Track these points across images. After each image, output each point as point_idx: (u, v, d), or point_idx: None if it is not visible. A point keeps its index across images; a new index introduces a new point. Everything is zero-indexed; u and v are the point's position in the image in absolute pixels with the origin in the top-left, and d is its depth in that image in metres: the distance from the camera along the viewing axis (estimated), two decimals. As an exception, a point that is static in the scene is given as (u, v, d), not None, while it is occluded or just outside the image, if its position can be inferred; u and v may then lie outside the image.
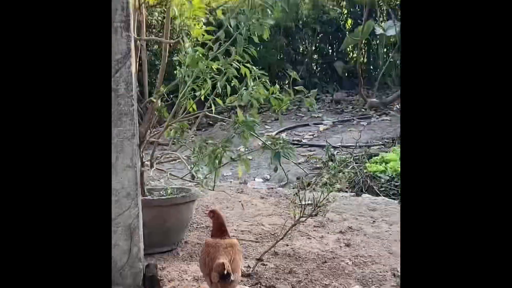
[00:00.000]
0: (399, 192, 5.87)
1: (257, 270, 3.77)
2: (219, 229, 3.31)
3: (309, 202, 4.04)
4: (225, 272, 2.97)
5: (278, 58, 10.83)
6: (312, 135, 8.78)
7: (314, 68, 11.88)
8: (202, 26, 3.73)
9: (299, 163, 7.13)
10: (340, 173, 6.18)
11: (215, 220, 3.33)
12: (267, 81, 3.50)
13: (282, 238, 3.98)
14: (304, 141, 8.43)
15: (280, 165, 3.76)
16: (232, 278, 3.00)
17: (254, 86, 3.41)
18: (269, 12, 3.21)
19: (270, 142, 3.61)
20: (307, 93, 3.62)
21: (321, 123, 9.32)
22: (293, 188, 5.61)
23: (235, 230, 4.49)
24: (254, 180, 6.58)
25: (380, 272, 3.85)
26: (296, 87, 3.63)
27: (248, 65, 3.42)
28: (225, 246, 3.20)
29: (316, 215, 3.84)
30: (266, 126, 9.04)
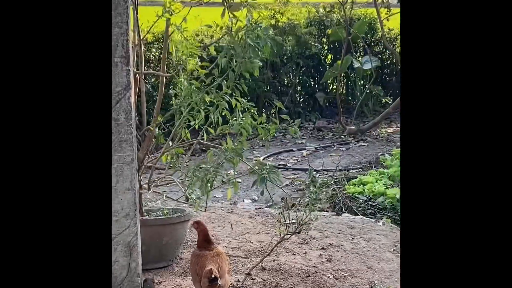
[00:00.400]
0: (376, 211, 5.90)
1: (246, 284, 3.77)
2: (205, 239, 3.34)
3: (293, 221, 4.05)
4: (213, 276, 3.00)
5: (265, 89, 10.87)
6: (296, 159, 8.80)
7: (298, 98, 11.93)
8: (197, 61, 3.77)
9: (285, 185, 7.14)
10: (322, 194, 6.21)
11: (200, 230, 3.36)
12: (255, 112, 3.53)
13: (268, 254, 3.98)
14: (289, 165, 8.44)
15: (266, 189, 3.77)
16: (219, 282, 3.03)
17: (243, 117, 3.44)
18: (259, 52, 3.26)
19: (257, 167, 3.63)
20: (292, 122, 3.65)
21: (304, 149, 9.33)
22: (278, 208, 5.61)
23: (226, 247, 4.48)
24: (243, 201, 6.58)
25: (359, 285, 3.86)
26: (282, 116, 3.67)
27: (239, 98, 3.46)
28: (212, 255, 3.23)
29: (299, 232, 3.85)
30: (254, 152, 9.05)
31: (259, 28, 3.14)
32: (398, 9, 10.53)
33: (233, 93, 3.46)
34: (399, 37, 12.72)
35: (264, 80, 10.70)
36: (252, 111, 3.49)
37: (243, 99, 3.49)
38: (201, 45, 8.88)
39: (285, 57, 11.16)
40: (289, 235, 3.83)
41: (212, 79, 3.48)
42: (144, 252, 3.46)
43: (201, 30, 10.10)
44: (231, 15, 3.31)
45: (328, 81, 12.05)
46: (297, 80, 11.68)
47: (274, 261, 4.18)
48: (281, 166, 8.28)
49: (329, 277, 3.94)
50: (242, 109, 3.50)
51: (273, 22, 10.87)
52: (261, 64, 3.31)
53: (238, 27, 3.20)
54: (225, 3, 3.31)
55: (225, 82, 3.39)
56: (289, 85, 11.57)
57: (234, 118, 3.48)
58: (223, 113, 3.59)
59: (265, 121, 3.58)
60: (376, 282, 3.88)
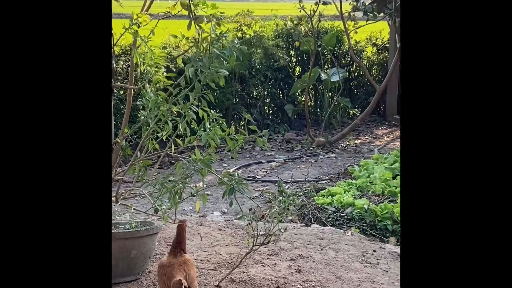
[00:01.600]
0: (344, 222, 5.95)
1: (215, 296, 3.76)
2: (179, 242, 3.31)
3: (262, 232, 4.06)
4: (183, 287, 2.97)
5: (234, 102, 10.89)
6: (266, 171, 8.83)
7: (267, 110, 11.98)
8: (163, 72, 3.77)
9: (254, 197, 7.15)
10: (291, 206, 6.23)
11: (182, 230, 3.31)
12: (224, 123, 3.55)
13: (238, 266, 3.99)
14: (258, 177, 8.47)
15: (235, 199, 3.78)
16: None
17: (211, 127, 3.45)
18: (225, 62, 3.28)
19: (226, 178, 3.64)
20: (260, 133, 3.68)
21: (274, 161, 9.37)
22: (247, 220, 5.61)
23: (195, 259, 4.46)
24: (212, 213, 6.58)
25: (328, 295, 3.89)
26: (250, 126, 3.69)
27: (206, 108, 3.47)
28: (179, 263, 3.20)
29: (268, 243, 3.86)
30: (224, 164, 9.05)
31: (224, 38, 3.16)
32: (364, 22, 10.71)
33: (199, 104, 3.46)
34: (365, 49, 12.90)
35: (233, 93, 10.73)
36: (220, 122, 3.50)
37: (211, 110, 3.50)
38: (168, 57, 8.89)
39: (253, 70, 11.21)
40: (258, 246, 3.84)
41: (178, 90, 3.48)
42: (113, 266, 3.43)
43: (169, 42, 10.10)
44: (197, 27, 3.32)
45: (297, 93, 12.14)
46: (265, 92, 11.74)
47: (243, 272, 4.18)
48: (250, 178, 8.30)
49: (298, 288, 3.96)
50: (210, 120, 3.51)
51: (239, 34, 10.92)
52: (227, 73, 3.33)
53: (204, 38, 3.22)
54: (191, 16, 3.32)
55: (192, 94, 3.40)
56: (258, 97, 11.62)
57: (202, 129, 3.49)
58: (192, 125, 3.59)
59: (233, 132, 3.60)
60: (345, 291, 3.91)
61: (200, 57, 3.26)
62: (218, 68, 3.22)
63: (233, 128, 3.70)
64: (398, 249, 5.06)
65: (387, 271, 4.36)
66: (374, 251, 4.83)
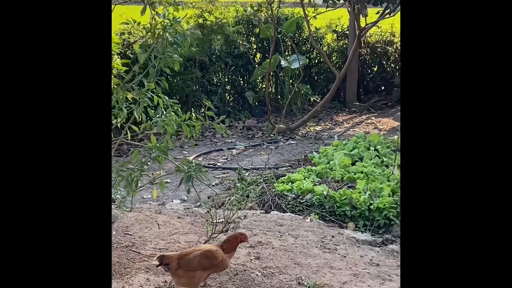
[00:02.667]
0: (304, 208, 5.97)
1: (173, 285, 3.73)
2: (227, 244, 3.59)
3: (221, 220, 4.05)
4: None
5: (194, 89, 10.80)
6: (226, 159, 8.80)
7: (227, 98, 11.93)
8: (117, 59, 3.69)
9: (214, 185, 7.13)
10: (250, 193, 6.24)
11: (234, 240, 3.60)
12: (179, 109, 3.50)
13: (196, 254, 3.95)
14: (218, 164, 8.43)
15: (193, 187, 3.75)
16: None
17: (166, 113, 3.40)
18: (179, 48, 3.22)
19: (183, 165, 3.60)
20: (218, 119, 3.64)
21: (234, 148, 9.35)
22: (206, 207, 5.59)
23: (153, 248, 4.42)
24: (172, 201, 6.52)
25: (287, 281, 3.89)
26: (207, 113, 3.65)
27: (160, 94, 3.41)
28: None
29: (227, 231, 3.84)
30: (184, 152, 8.99)
31: (178, 24, 3.11)
32: (324, 9, 10.73)
33: (155, 90, 3.41)
34: (325, 36, 12.95)
35: (193, 80, 10.64)
36: (175, 108, 3.45)
37: (165, 96, 3.45)
38: (124, 43, 8.75)
39: (213, 56, 11.14)
40: (217, 234, 3.82)
41: (132, 75, 3.42)
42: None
43: (127, 28, 9.94)
44: (152, 12, 3.26)
45: (257, 80, 12.12)
46: (226, 79, 11.69)
47: (202, 260, 4.15)
48: (210, 165, 8.27)
49: (257, 275, 3.96)
50: (165, 106, 3.45)
51: (200, 21, 10.82)
52: (181, 59, 3.27)
53: (157, 23, 3.16)
54: (146, 1, 3.25)
55: (146, 79, 3.34)
56: (218, 84, 11.55)
57: (158, 116, 3.44)
58: (147, 111, 3.53)
59: (189, 118, 3.55)
60: (303, 277, 3.92)
61: (153, 43, 3.20)
62: (173, 54, 3.16)
63: (189, 114, 3.65)
64: (356, 235, 5.11)
65: (345, 256, 4.39)
66: (333, 236, 4.87)
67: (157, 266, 3.58)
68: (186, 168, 3.57)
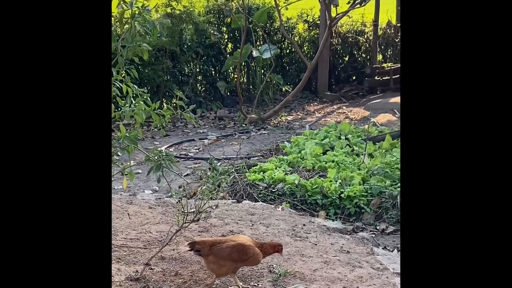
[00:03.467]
0: (275, 197, 6.00)
1: (145, 275, 3.73)
2: (264, 248, 3.68)
3: (193, 210, 4.04)
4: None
5: (166, 79, 10.74)
6: (198, 149, 8.79)
7: (199, 88, 11.90)
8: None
9: (186, 175, 7.12)
10: (222, 183, 6.24)
11: (271, 249, 3.70)
12: (148, 98, 3.48)
13: (167, 243, 3.96)
14: (190, 154, 8.42)
15: (164, 176, 3.74)
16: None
17: (135, 103, 3.38)
18: (148, 37, 3.20)
19: (154, 155, 3.59)
20: (187, 108, 3.63)
21: (206, 138, 9.34)
22: (177, 197, 5.58)
23: (124, 238, 4.41)
24: (143, 192, 6.50)
25: (258, 269, 3.91)
26: (177, 102, 3.64)
27: (129, 83, 3.39)
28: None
29: (198, 220, 3.85)
30: (156, 142, 8.95)
31: (146, 12, 3.09)
32: (295, -1, 10.76)
33: (123, 79, 3.38)
34: (297, 26, 12.98)
35: (164, 70, 10.58)
36: (145, 97, 3.43)
37: (134, 85, 3.43)
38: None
39: (184, 46, 11.08)
40: (188, 224, 3.82)
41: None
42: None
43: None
44: (119, 0, 3.23)
45: (229, 70, 12.10)
46: (197, 70, 11.65)
47: (174, 250, 4.15)
48: (182, 155, 8.25)
49: (229, 263, 3.97)
50: (134, 95, 3.43)
51: (168, 10, 10.72)
52: (150, 48, 3.26)
53: (124, 10, 3.13)
54: (115, -12, 3.23)
55: (114, 68, 3.31)
56: (190, 74, 11.51)
57: (127, 105, 3.42)
58: (115, 100, 3.51)
59: (159, 107, 3.54)
60: (274, 265, 3.95)
61: (122, 32, 3.18)
62: (141, 43, 3.14)
63: (159, 104, 3.64)
64: (327, 223, 5.16)
65: (316, 244, 4.43)
66: (304, 225, 4.90)
67: (188, 251, 3.70)
68: (155, 157, 3.56)
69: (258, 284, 3.70)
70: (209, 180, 5.24)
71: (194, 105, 3.82)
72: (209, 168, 7.13)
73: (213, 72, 12.07)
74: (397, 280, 3.86)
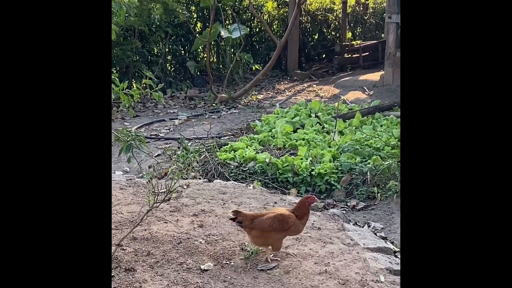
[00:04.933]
0: (247, 176, 6.01)
1: (117, 255, 3.71)
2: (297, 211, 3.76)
3: (164, 190, 4.02)
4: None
5: (135, 59, 10.62)
6: (168, 129, 8.73)
7: (169, 68, 11.80)
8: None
9: (157, 155, 7.07)
10: (193, 162, 6.22)
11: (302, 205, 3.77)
12: (116, 78, 3.43)
13: (139, 224, 3.94)
14: (161, 135, 8.37)
15: (134, 157, 3.71)
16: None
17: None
18: (114, 17, 3.15)
19: (123, 135, 3.55)
20: (156, 87, 3.59)
21: (176, 118, 9.29)
22: (147, 177, 5.54)
23: (95, 220, 4.37)
24: (114, 173, 6.44)
25: (230, 247, 3.93)
26: (145, 80, 3.59)
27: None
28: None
29: (169, 200, 3.83)
30: (126, 123, 8.86)
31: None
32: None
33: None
34: (266, 4, 12.91)
35: (133, 50, 10.45)
36: (113, 78, 3.38)
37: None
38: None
39: (153, 26, 10.94)
40: (159, 203, 3.80)
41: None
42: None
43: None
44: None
45: (198, 50, 12.01)
46: (167, 49, 11.53)
47: (145, 230, 4.14)
48: (153, 136, 8.19)
49: (200, 242, 3.97)
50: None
51: (138, -11, 10.57)
52: (117, 28, 3.21)
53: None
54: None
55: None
56: (159, 54, 11.39)
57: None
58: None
59: (128, 87, 3.50)
60: (246, 243, 3.96)
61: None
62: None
63: (127, 84, 3.59)
64: (298, 200, 5.18)
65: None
66: (275, 202, 4.93)
67: (231, 219, 3.82)
68: (125, 138, 3.52)
69: (230, 262, 3.72)
70: (179, 159, 5.23)
71: (163, 84, 3.77)
72: (178, 147, 7.11)
73: (183, 51, 11.98)
74: (368, 255, 3.91)
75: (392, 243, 4.52)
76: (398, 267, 3.81)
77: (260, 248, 3.88)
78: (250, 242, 3.82)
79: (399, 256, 4.28)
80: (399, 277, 3.65)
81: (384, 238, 4.60)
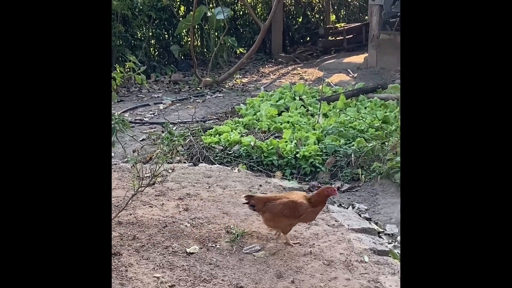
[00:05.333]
0: (232, 159, 6.01)
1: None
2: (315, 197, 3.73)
3: (148, 174, 4.02)
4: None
5: (118, 44, 10.52)
6: (153, 114, 8.69)
7: (152, 52, 11.72)
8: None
9: (142, 140, 7.05)
10: (179, 147, 6.22)
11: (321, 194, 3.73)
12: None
13: (124, 208, 3.94)
14: (145, 119, 8.33)
15: (119, 142, 3.70)
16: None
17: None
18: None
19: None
20: (138, 70, 3.57)
21: (161, 103, 9.24)
22: (132, 162, 5.53)
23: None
24: (99, 158, 6.41)
25: (216, 230, 3.94)
26: (128, 64, 3.57)
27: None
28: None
29: (154, 184, 3.83)
30: (109, 108, 8.80)
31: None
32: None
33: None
34: (249, -13, 12.84)
35: (116, 34, 10.35)
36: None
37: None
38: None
39: (136, 10, 10.84)
40: (144, 188, 3.80)
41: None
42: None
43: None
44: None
45: (182, 34, 11.94)
46: (150, 33, 11.44)
47: (131, 214, 4.14)
48: (137, 120, 8.15)
49: (186, 226, 3.98)
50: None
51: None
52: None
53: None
54: None
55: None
56: (143, 38, 11.30)
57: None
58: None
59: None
60: (232, 226, 3.98)
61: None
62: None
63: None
64: (283, 183, 5.21)
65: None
66: (260, 185, 4.94)
67: (244, 203, 3.88)
68: (109, 122, 3.51)
69: (215, 245, 3.73)
70: (164, 142, 5.22)
71: (145, 66, 3.75)
72: (162, 131, 7.09)
73: (166, 35, 11.90)
74: (352, 235, 3.94)
75: (376, 223, 4.57)
76: (382, 248, 3.85)
77: (246, 230, 3.90)
78: (264, 223, 3.85)
79: (383, 237, 4.32)
80: (383, 257, 3.70)
81: (368, 219, 4.64)
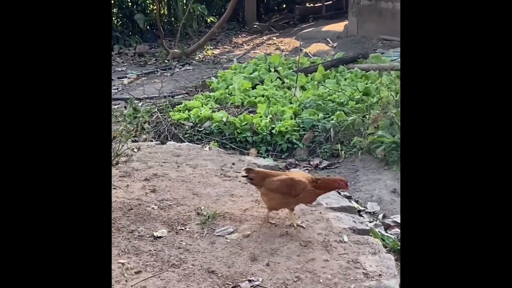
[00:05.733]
0: (202, 136, 6.02)
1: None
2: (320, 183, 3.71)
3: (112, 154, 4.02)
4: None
5: (76, 13, 10.41)
6: (117, 89, 8.65)
7: (115, 21, 11.60)
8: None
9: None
10: (145, 124, 6.20)
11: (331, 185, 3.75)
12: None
13: (85, 191, 3.92)
14: (108, 95, 8.29)
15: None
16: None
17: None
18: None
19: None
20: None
21: (125, 77, 9.19)
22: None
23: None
24: (58, 138, 6.39)
25: (185, 212, 3.96)
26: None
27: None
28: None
29: (117, 164, 3.83)
30: (69, 84, 8.74)
31: None
32: None
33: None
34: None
35: (74, 3, 10.23)
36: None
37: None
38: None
39: (96, -24, 10.71)
40: (106, 168, 3.79)
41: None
42: None
43: None
44: None
45: (147, 1, 11.82)
46: (112, 1, 11.31)
47: (93, 197, 4.13)
48: (99, 97, 8.11)
49: (153, 208, 3.99)
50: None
51: None
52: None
53: None
54: None
55: None
56: (104, 7, 11.18)
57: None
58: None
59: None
60: (202, 207, 4.00)
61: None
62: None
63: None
64: (257, 160, 5.24)
65: (246, 183, 4.50)
66: (233, 164, 4.96)
67: (243, 176, 3.97)
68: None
69: (185, 228, 3.75)
70: (127, 119, 5.20)
71: (117, 43, 3.72)
72: (125, 107, 7.06)
73: (130, 3, 11.78)
74: (331, 214, 3.99)
75: (357, 202, 4.63)
76: (362, 226, 3.90)
77: (218, 212, 3.92)
78: (261, 199, 3.91)
79: (363, 215, 4.38)
80: (364, 236, 3.75)
81: (348, 197, 4.70)
